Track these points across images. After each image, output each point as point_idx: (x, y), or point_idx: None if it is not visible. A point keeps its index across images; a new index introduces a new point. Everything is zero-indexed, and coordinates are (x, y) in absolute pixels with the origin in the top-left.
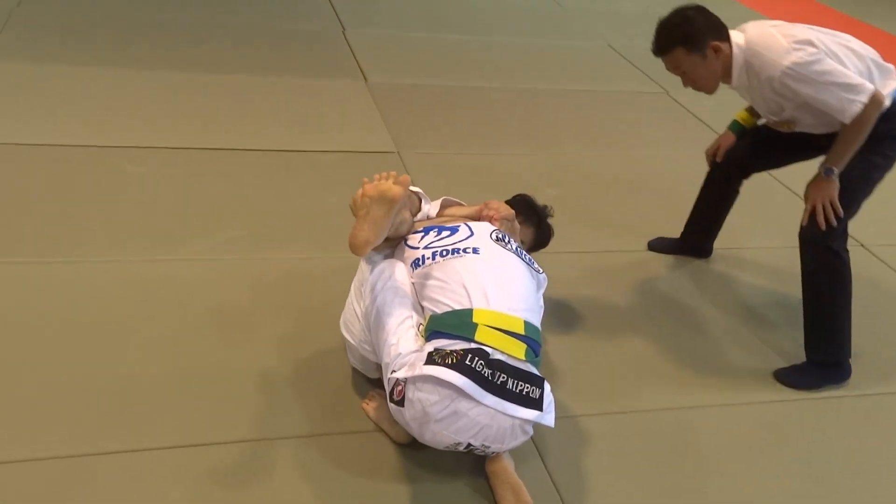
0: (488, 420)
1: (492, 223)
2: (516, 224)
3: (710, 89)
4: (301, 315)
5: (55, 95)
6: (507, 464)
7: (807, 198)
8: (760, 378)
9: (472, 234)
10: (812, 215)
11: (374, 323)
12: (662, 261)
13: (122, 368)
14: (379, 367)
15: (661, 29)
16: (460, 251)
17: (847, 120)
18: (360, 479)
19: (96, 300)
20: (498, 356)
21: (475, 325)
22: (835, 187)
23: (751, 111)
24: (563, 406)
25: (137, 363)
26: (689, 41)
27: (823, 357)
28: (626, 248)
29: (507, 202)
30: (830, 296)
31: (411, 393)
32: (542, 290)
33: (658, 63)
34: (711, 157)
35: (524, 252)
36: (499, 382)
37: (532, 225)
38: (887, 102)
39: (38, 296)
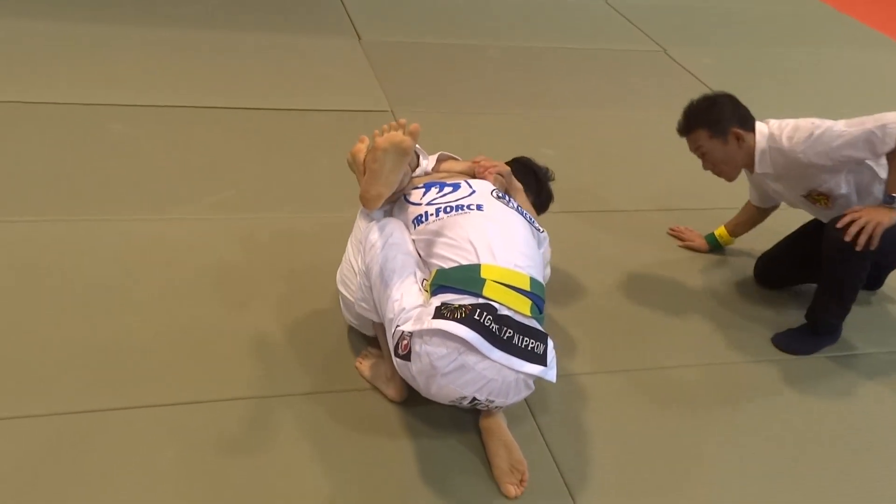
0: (494, 374)
1: (486, 178)
2: (515, 182)
3: (729, 175)
4: (294, 275)
5: (38, 53)
6: (501, 421)
7: (858, 211)
8: (753, 340)
9: (473, 191)
10: (848, 227)
11: (377, 279)
12: (658, 221)
13: (116, 327)
14: (375, 324)
15: (687, 110)
16: (464, 207)
17: (886, 149)
18: (355, 436)
19: (87, 260)
20: (505, 311)
21: (483, 281)
22: (890, 217)
23: (730, 229)
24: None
25: (131, 322)
26: (713, 125)
27: (827, 320)
28: (623, 208)
29: (506, 164)
30: (848, 269)
31: (418, 346)
32: (543, 248)
33: (655, 20)
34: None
35: (525, 211)
36: (505, 337)
37: (531, 192)
38: None
39: (26, 255)
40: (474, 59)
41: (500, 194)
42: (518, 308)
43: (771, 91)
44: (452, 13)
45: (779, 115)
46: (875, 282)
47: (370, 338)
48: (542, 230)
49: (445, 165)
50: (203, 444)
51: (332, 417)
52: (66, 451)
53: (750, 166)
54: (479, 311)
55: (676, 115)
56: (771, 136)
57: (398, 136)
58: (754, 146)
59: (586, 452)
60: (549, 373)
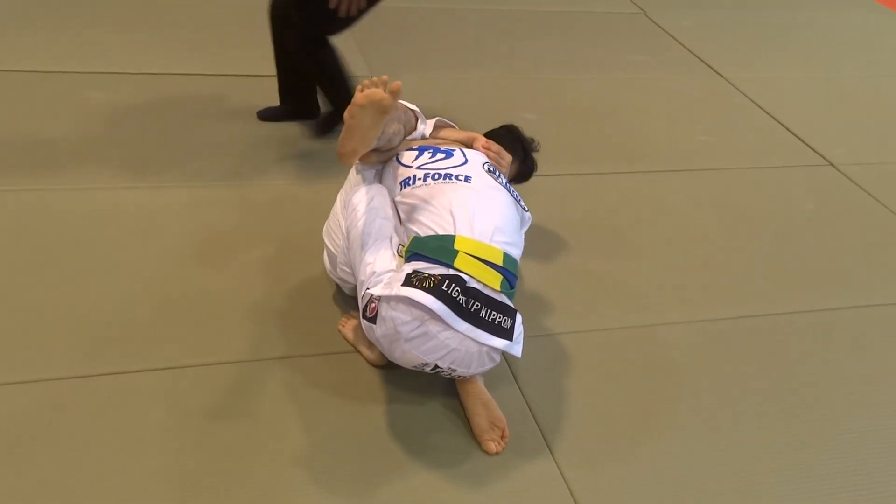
0: (457, 344)
1: (484, 153)
2: (506, 154)
3: None
4: (282, 241)
5: (13, 20)
6: (478, 381)
7: None
8: (720, 296)
9: (466, 161)
10: None
11: (354, 241)
12: (638, 182)
13: (100, 294)
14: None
15: None
16: (452, 177)
17: None
18: (337, 398)
19: (66, 228)
20: (474, 284)
21: (455, 252)
22: None
23: None
24: (534, 325)
25: (115, 289)
26: None
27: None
28: (602, 171)
29: (494, 130)
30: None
31: (384, 311)
32: (525, 228)
33: None
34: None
35: (513, 189)
36: (472, 310)
37: (517, 159)
38: None
39: (5, 223)
40: (454, 23)
41: (492, 168)
42: (488, 282)
43: (749, 53)
44: None
45: (757, 77)
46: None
47: (353, 302)
48: (527, 209)
49: (444, 133)
50: (188, 408)
51: (315, 380)
52: (47, 418)
53: None
54: (447, 281)
55: (655, 77)
56: None
57: (378, 93)
58: None
59: (565, 409)
60: (515, 347)
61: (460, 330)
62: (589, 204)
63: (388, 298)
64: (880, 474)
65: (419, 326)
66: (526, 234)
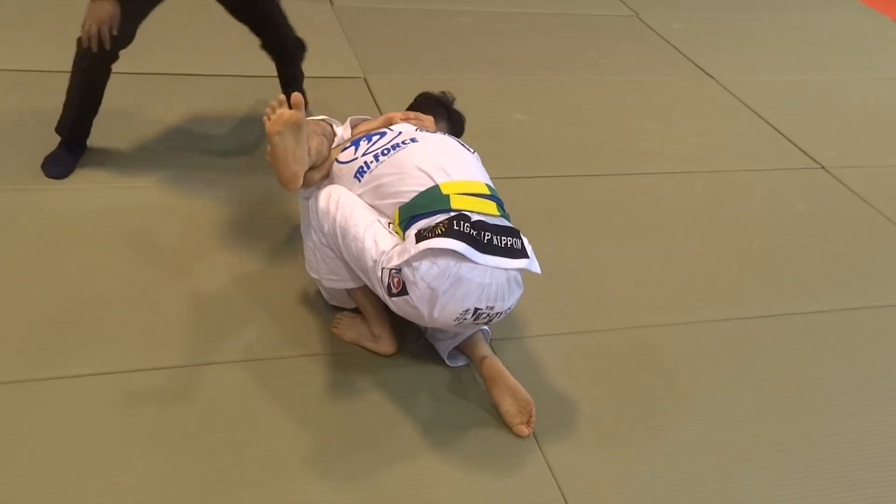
0: (488, 279)
1: (406, 122)
2: (425, 117)
3: None
4: (259, 239)
5: (5, 18)
6: (501, 366)
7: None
8: (712, 298)
9: (400, 132)
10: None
11: (344, 240)
12: (627, 185)
13: (71, 293)
14: (350, 292)
15: None
16: (399, 145)
17: None
18: (325, 399)
19: (38, 227)
20: (477, 217)
21: (447, 196)
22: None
23: None
24: (526, 328)
25: (85, 288)
26: None
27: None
28: (593, 173)
29: (411, 104)
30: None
31: (411, 274)
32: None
33: None
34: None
35: (451, 134)
36: (486, 241)
37: (441, 118)
38: None
39: None
40: (447, 25)
41: (424, 130)
42: (487, 211)
43: (740, 55)
44: None
45: (747, 79)
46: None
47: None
48: (473, 151)
49: (361, 127)
50: (177, 408)
51: (303, 381)
52: (3, 421)
53: None
54: (455, 221)
55: (647, 79)
56: None
57: (285, 113)
58: None
59: (557, 410)
60: (533, 265)
61: (483, 262)
62: (580, 205)
63: (410, 261)
64: (871, 474)
65: (451, 274)
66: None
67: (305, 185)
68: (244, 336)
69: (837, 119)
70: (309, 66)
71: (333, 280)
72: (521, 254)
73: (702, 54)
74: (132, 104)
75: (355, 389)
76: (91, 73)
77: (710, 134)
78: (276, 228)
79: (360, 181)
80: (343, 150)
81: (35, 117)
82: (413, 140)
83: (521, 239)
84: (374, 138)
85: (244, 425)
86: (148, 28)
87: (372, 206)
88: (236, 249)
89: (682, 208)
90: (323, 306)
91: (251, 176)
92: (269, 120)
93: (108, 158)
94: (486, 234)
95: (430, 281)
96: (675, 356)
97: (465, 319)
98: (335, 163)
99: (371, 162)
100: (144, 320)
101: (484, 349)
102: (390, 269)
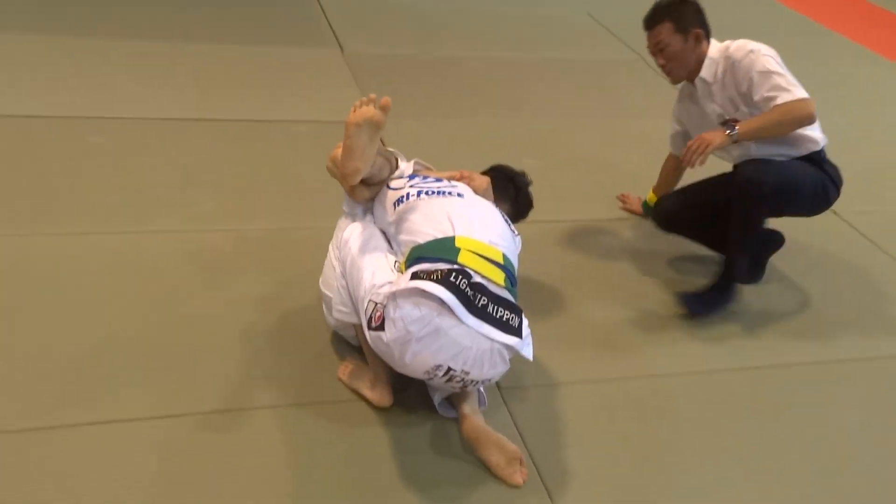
0: (469, 341)
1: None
2: (479, 181)
3: (677, 75)
4: (276, 284)
5: (16, 64)
6: (482, 423)
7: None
8: (717, 346)
9: (455, 185)
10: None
11: (350, 267)
12: (638, 229)
13: (91, 339)
14: (356, 327)
15: (656, 5)
16: (445, 193)
17: (778, 101)
18: (339, 446)
19: (63, 273)
20: (479, 279)
21: (458, 249)
22: (721, 139)
23: (656, 191)
24: (534, 374)
25: (105, 335)
26: (678, 20)
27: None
28: (603, 217)
29: (483, 173)
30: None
31: (392, 311)
32: (517, 251)
33: (634, 30)
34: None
35: (503, 212)
36: (480, 305)
37: (508, 199)
38: (816, 130)
39: (1, 268)
40: (456, 70)
41: (474, 192)
42: (492, 277)
43: None
44: (435, 25)
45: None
46: (756, 268)
47: (352, 348)
48: (517, 234)
49: (423, 172)
50: (179, 458)
51: (317, 428)
52: (35, 467)
53: (697, 71)
54: (454, 274)
55: (656, 124)
56: (725, 48)
57: (370, 110)
58: (706, 53)
59: (566, 459)
60: (525, 349)
61: (469, 324)
62: (589, 251)
63: (395, 296)
64: None
65: (430, 322)
66: (525, 281)
67: (354, 196)
68: (249, 385)
69: (845, 163)
70: (319, 111)
71: (343, 312)
72: (515, 331)
73: None
74: (156, 145)
75: (358, 439)
76: None
77: None
78: (297, 276)
79: (395, 209)
80: (398, 179)
81: (32, 161)
82: (460, 195)
83: (520, 317)
84: (430, 179)
85: (242, 474)
86: (166, 75)
87: (394, 239)
88: (257, 294)
89: (691, 254)
90: (335, 354)
91: (271, 220)
92: (354, 111)
93: (128, 202)
94: (483, 298)
95: (408, 323)
96: (687, 406)
97: (436, 375)
98: (386, 186)
99: (413, 196)
100: (157, 367)
101: (467, 406)
102: (376, 302)
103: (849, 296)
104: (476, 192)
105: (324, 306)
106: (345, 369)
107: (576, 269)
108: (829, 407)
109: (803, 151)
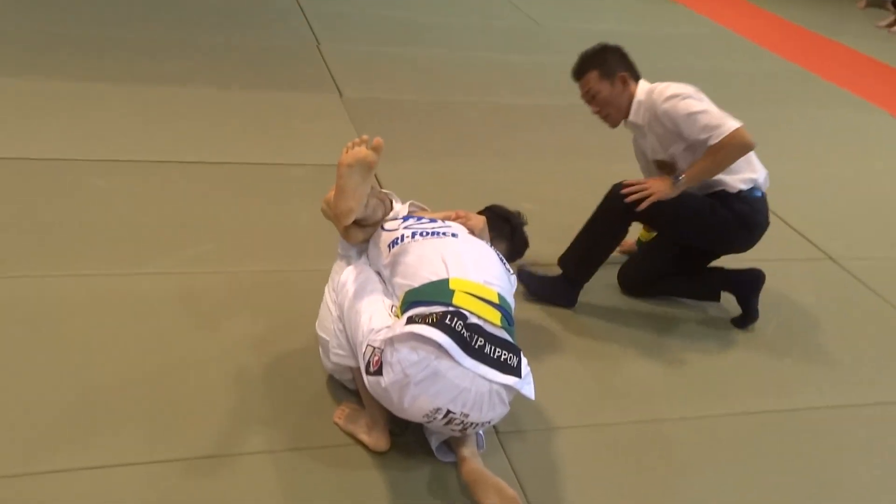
0: (467, 383)
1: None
2: (486, 235)
3: (614, 120)
4: (272, 327)
5: (18, 108)
6: (481, 466)
7: (646, 181)
8: (717, 391)
9: (450, 226)
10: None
11: (348, 311)
12: None
13: (85, 382)
14: (353, 370)
15: (581, 56)
16: (440, 233)
17: (712, 141)
18: (336, 493)
19: (57, 314)
20: (475, 320)
21: (452, 291)
22: (669, 188)
23: (645, 227)
24: (537, 420)
25: (99, 377)
26: (603, 67)
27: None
28: (614, 261)
29: (479, 213)
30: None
31: (390, 356)
32: (513, 290)
33: None
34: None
35: (498, 251)
36: (476, 346)
37: (504, 238)
38: (754, 174)
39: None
40: (454, 116)
41: (470, 232)
42: (488, 318)
43: None
44: (434, 71)
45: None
46: (746, 313)
47: (348, 391)
48: (512, 273)
49: (419, 213)
50: (175, 502)
51: (313, 473)
52: None
53: (627, 113)
54: (449, 316)
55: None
56: (650, 91)
57: (362, 151)
58: (634, 95)
59: (563, 501)
60: (526, 388)
61: (467, 366)
62: (588, 292)
63: (392, 341)
64: None
65: (428, 366)
66: (523, 322)
67: (348, 238)
68: (243, 429)
69: (843, 211)
70: (318, 154)
71: (341, 356)
72: (513, 371)
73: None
74: (155, 188)
75: (355, 484)
76: None
77: None
78: (292, 319)
79: (389, 251)
80: (392, 220)
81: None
82: (454, 235)
83: (518, 356)
84: (424, 220)
85: None
86: (164, 118)
87: (389, 282)
88: (253, 337)
89: (692, 300)
90: (331, 398)
91: (269, 263)
92: (347, 152)
93: (127, 244)
94: (480, 339)
95: (406, 367)
96: (693, 452)
97: (435, 419)
98: (380, 228)
99: (407, 237)
100: (151, 411)
101: (466, 449)
102: (374, 347)
103: (848, 342)
104: (472, 231)
105: (320, 349)
106: (341, 413)
107: (574, 311)
108: (834, 453)
109: (718, 187)
